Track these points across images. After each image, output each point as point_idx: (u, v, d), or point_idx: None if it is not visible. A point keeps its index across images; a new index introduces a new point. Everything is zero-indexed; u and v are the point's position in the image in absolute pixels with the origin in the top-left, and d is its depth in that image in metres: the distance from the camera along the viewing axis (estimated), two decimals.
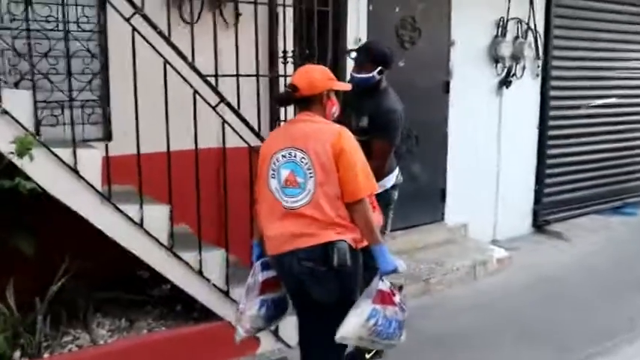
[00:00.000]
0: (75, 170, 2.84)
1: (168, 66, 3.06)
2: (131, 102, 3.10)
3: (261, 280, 2.78)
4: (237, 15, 3.88)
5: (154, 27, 2.96)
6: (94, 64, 3.53)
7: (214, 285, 3.32)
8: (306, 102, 2.69)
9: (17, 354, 2.98)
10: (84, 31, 3.40)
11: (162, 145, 3.18)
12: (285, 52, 3.94)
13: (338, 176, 2.55)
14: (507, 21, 5.51)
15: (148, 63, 3.08)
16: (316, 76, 2.74)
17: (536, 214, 6.19)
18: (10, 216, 2.97)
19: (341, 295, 2.65)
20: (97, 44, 3.42)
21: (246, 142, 3.29)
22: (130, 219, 3.02)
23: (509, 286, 4.76)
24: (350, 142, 2.62)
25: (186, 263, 3.22)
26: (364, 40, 4.53)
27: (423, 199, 5.28)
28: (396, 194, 3.68)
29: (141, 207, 3.03)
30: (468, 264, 4.86)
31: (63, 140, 3.17)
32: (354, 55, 3.65)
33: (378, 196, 3.50)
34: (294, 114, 2.94)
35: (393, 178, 3.61)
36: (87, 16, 3.40)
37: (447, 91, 5.28)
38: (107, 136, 3.60)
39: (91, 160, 2.90)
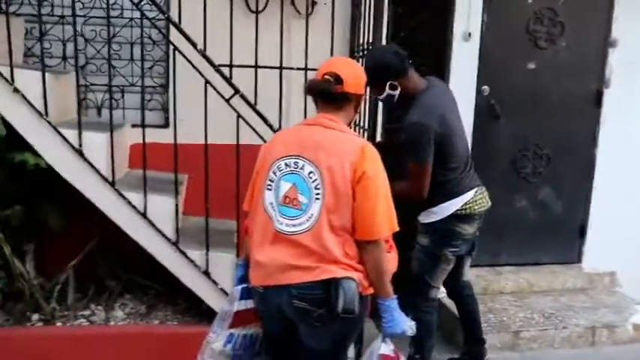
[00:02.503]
0: (79, 151, 2.88)
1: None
2: (190, 91, 2.97)
3: (235, 310, 2.31)
4: (313, 3, 3.59)
5: (163, 12, 2.85)
6: (155, 52, 3.61)
7: (222, 289, 3.12)
8: (340, 101, 2.19)
9: (35, 316, 3.19)
10: (147, 18, 3.47)
11: (217, 137, 2.99)
12: (363, 44, 3.49)
13: (353, 206, 2.06)
14: None
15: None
16: (362, 71, 2.29)
17: None
18: (41, 190, 3.18)
19: (335, 345, 2.19)
20: (157, 32, 3.44)
21: (262, 138, 2.97)
22: (134, 207, 2.97)
23: None
24: (375, 163, 2.11)
25: (192, 261, 3.07)
26: (476, 35, 3.83)
27: (552, 233, 4.35)
28: (468, 228, 2.95)
29: (145, 195, 2.96)
30: (585, 323, 3.81)
31: (119, 124, 3.34)
32: None
33: (428, 226, 2.95)
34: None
35: (456, 205, 2.91)
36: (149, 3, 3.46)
37: (599, 103, 4.20)
38: (165, 124, 3.67)
39: (98, 144, 2.92)
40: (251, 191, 2.27)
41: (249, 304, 2.31)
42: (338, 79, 2.14)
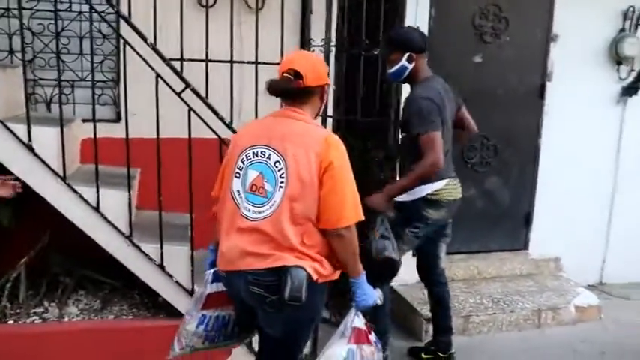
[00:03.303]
0: (29, 147, 2.84)
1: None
2: (141, 85, 2.96)
3: (207, 293, 2.42)
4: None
5: (112, 6, 2.84)
6: (105, 46, 3.58)
7: (177, 282, 3.13)
8: (303, 94, 2.24)
9: None
10: (96, 12, 3.44)
11: (168, 131, 3.02)
12: (310, 39, 3.55)
13: (319, 195, 2.12)
14: None
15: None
16: (321, 64, 2.34)
17: None
18: None
19: (287, 332, 2.26)
20: (107, 26, 3.41)
21: (214, 131, 3.01)
22: (86, 201, 2.95)
23: (579, 345, 3.77)
24: (341, 153, 2.17)
25: (146, 255, 3.07)
26: (424, 29, 3.93)
27: (500, 221, 4.51)
28: (433, 213, 3.12)
29: (97, 191, 2.95)
30: (531, 307, 3.98)
31: (70, 119, 3.31)
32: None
33: (399, 204, 3.06)
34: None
35: (427, 190, 3.07)
36: None
37: (542, 95, 4.38)
38: (116, 118, 3.65)
39: (48, 139, 2.89)
40: (220, 178, 2.35)
41: (220, 286, 2.40)
42: (297, 75, 2.19)
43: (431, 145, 2.91)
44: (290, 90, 2.23)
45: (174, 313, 3.24)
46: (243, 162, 2.22)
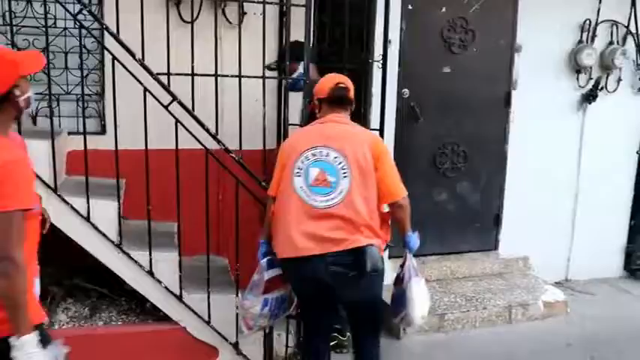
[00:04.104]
0: None
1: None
2: (125, 98, 3.09)
3: (266, 279, 2.83)
4: (242, 14, 3.77)
5: (101, 23, 2.97)
6: (89, 61, 3.69)
7: (166, 288, 3.25)
8: (348, 103, 2.83)
9: None
10: (84, 28, 3.54)
11: (152, 142, 3.15)
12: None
13: (377, 177, 2.65)
14: (597, 24, 4.66)
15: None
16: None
17: (629, 255, 5.17)
18: None
19: (368, 294, 2.71)
20: (93, 41, 3.52)
21: (201, 143, 3.14)
22: (76, 211, 3.06)
23: (547, 338, 4.00)
24: (384, 146, 2.83)
25: (135, 262, 3.18)
26: (395, 42, 4.13)
27: (471, 223, 4.72)
28: None
29: (87, 201, 3.06)
30: (502, 304, 4.20)
31: (56, 131, 3.39)
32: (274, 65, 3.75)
33: None
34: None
35: None
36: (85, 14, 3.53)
37: (508, 104, 4.62)
38: (101, 130, 3.75)
39: (39, 151, 2.96)
40: (277, 180, 2.79)
41: (275, 272, 2.85)
42: (348, 87, 2.81)
43: None
44: (345, 98, 2.81)
45: (161, 318, 3.36)
46: (303, 162, 2.67)
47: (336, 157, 2.63)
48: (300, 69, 3.33)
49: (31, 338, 1.79)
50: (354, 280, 2.60)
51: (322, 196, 2.61)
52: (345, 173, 2.60)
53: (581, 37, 4.67)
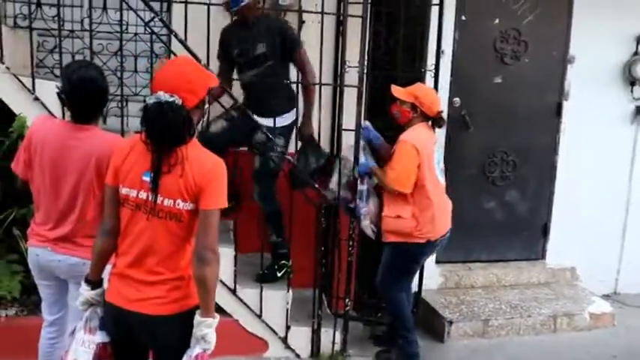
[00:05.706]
0: None
1: None
2: None
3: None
4: (301, 22, 3.93)
5: (170, 30, 3.17)
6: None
7: (221, 281, 3.42)
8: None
9: None
10: (154, 34, 3.76)
11: None
12: (344, 61, 3.85)
13: None
14: None
15: None
16: None
17: None
18: None
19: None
20: (161, 46, 3.74)
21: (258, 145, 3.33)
22: None
23: (591, 349, 4.00)
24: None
25: None
26: (448, 52, 4.22)
27: (519, 232, 4.76)
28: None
29: None
30: (547, 312, 4.21)
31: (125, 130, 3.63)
32: None
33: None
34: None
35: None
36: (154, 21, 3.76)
37: (559, 114, 4.64)
38: None
39: None
40: (416, 174, 3.34)
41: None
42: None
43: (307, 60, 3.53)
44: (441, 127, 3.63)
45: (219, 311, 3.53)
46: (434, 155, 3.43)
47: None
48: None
49: (217, 319, 2.02)
50: None
51: (442, 177, 3.53)
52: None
53: (637, 48, 4.64)
